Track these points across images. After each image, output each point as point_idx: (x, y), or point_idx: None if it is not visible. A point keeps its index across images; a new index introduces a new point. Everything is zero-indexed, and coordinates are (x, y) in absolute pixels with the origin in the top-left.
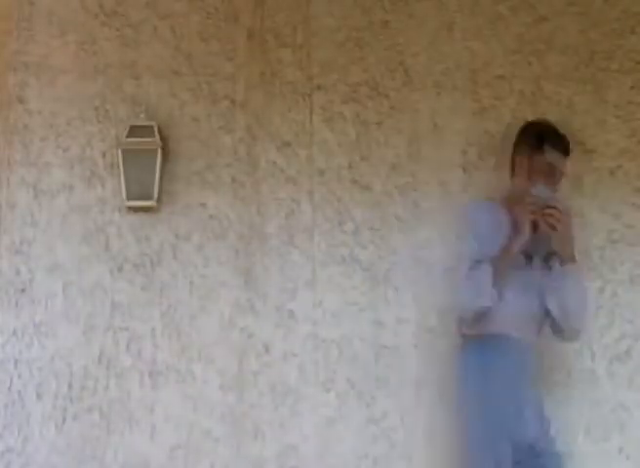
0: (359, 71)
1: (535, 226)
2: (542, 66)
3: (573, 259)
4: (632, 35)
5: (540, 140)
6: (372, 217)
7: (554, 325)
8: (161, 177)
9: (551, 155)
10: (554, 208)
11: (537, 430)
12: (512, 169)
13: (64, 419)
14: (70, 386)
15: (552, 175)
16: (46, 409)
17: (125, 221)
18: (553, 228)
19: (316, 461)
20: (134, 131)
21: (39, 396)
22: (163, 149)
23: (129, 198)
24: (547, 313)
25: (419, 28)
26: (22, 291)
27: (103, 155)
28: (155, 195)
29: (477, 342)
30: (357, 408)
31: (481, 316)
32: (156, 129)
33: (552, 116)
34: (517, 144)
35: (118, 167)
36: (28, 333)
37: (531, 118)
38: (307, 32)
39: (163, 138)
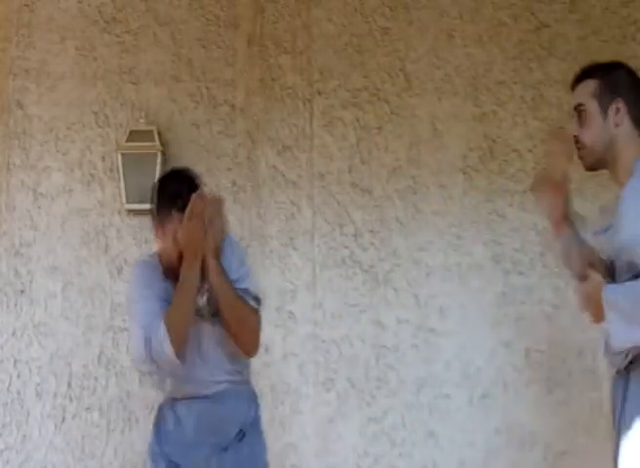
0: (359, 77)
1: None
2: (543, 72)
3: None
4: (632, 42)
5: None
6: (372, 220)
7: None
8: None
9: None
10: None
11: None
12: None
13: (64, 418)
14: (70, 386)
15: None
16: (45, 408)
17: (124, 224)
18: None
19: (316, 460)
20: (133, 135)
21: (38, 395)
22: (163, 153)
23: (128, 201)
24: None
25: (419, 35)
26: (22, 292)
27: (103, 159)
28: None
29: None
30: (357, 407)
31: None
32: (156, 133)
33: (553, 122)
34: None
35: (118, 171)
36: (27, 334)
37: (532, 123)
38: (308, 38)
39: (163, 143)
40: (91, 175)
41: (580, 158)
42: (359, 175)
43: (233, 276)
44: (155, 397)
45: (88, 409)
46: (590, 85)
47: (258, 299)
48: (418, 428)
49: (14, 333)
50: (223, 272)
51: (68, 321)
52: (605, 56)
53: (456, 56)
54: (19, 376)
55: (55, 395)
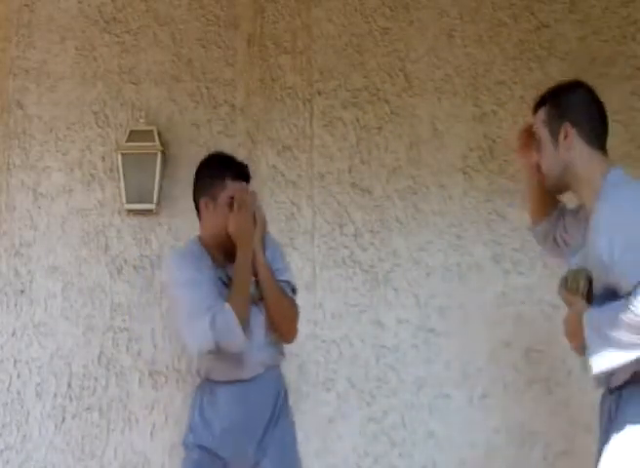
0: (359, 77)
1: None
2: (543, 72)
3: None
4: (632, 42)
5: (222, 176)
6: (372, 220)
7: None
8: (161, 181)
9: (234, 186)
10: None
11: None
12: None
13: (64, 418)
14: (70, 386)
15: None
16: (45, 408)
17: (124, 224)
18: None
19: (316, 460)
20: (133, 135)
21: (38, 395)
22: (163, 153)
23: (128, 201)
24: None
25: (419, 35)
26: (22, 292)
27: (103, 159)
28: (155, 199)
29: None
30: (357, 407)
31: None
32: (156, 133)
33: None
34: (198, 185)
35: (118, 171)
36: (27, 334)
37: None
38: (308, 38)
39: (163, 143)
40: (91, 175)
41: (543, 183)
42: (359, 175)
43: (277, 266)
44: (155, 397)
45: (88, 409)
46: (542, 113)
47: (295, 291)
48: (418, 428)
49: (14, 333)
50: (268, 264)
51: (68, 321)
52: (605, 56)
53: (456, 56)
54: (19, 376)
55: (55, 395)
